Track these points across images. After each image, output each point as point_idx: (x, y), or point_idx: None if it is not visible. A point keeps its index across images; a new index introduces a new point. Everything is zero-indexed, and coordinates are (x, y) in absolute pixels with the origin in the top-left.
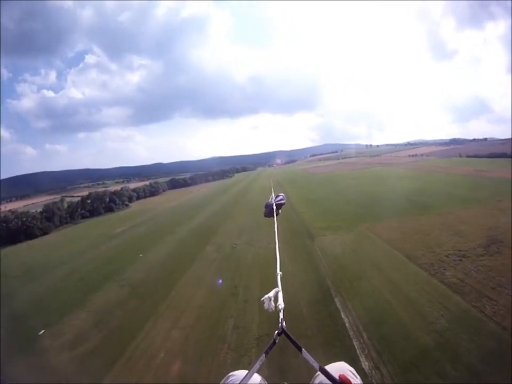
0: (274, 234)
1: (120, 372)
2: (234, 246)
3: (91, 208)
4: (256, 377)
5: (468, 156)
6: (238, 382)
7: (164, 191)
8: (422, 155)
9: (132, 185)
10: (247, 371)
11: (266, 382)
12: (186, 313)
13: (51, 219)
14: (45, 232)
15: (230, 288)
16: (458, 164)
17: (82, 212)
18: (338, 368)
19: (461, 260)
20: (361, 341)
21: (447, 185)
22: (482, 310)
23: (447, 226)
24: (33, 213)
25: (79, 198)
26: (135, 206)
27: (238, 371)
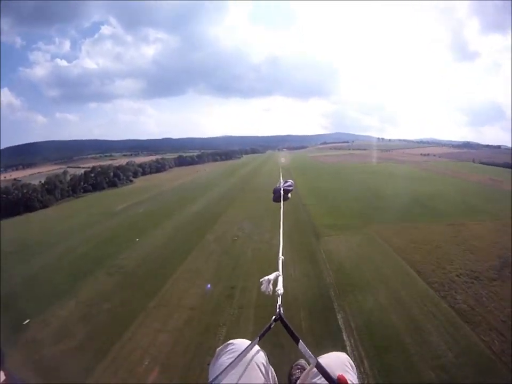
0: (280, 220)
1: (101, 375)
2: (235, 238)
3: (94, 182)
4: (256, 348)
5: (481, 162)
6: (237, 351)
7: (171, 167)
8: (434, 155)
9: (139, 159)
10: (247, 340)
11: (265, 355)
12: (176, 314)
13: (52, 192)
14: (45, 205)
15: (226, 289)
16: (471, 169)
17: (85, 185)
18: (336, 359)
19: (472, 283)
20: (361, 369)
21: (460, 192)
22: (491, 345)
23: (460, 240)
24: (34, 185)
25: (82, 171)
26: (139, 182)
27: (238, 339)
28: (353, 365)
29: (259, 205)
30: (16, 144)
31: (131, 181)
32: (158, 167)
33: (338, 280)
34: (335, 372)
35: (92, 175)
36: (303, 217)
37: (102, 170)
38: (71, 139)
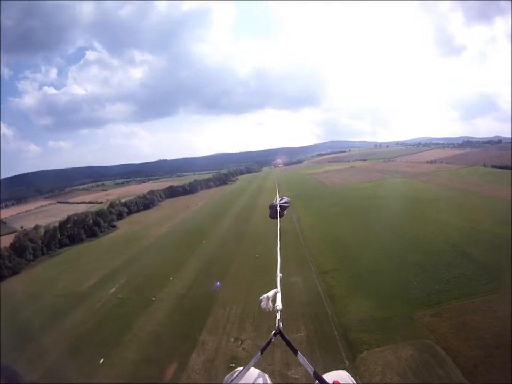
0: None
1: None
2: (232, 365)
3: (71, 233)
4: (254, 372)
5: (492, 166)
6: (243, 378)
7: (160, 201)
8: (441, 161)
9: (131, 188)
10: (252, 368)
11: (266, 376)
12: None
13: (22, 254)
14: (15, 272)
15: None
16: (488, 178)
17: (61, 238)
18: (338, 376)
19: None
20: None
21: (497, 222)
22: None
23: None
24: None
25: (57, 224)
26: (123, 226)
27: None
28: (354, 381)
29: (263, 274)
30: (11, 175)
31: (114, 226)
32: (146, 204)
33: None
34: None
35: (68, 225)
36: (325, 305)
37: (79, 219)
38: (65, 167)
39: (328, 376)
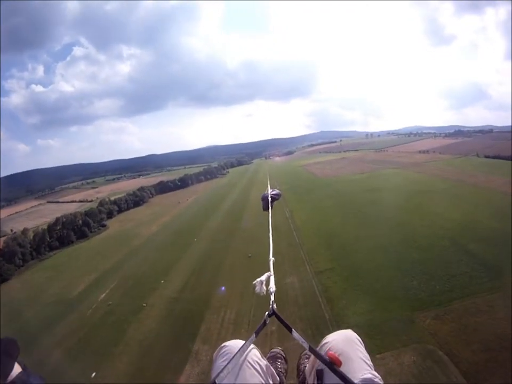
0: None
1: None
2: None
3: (61, 234)
4: (249, 346)
5: (486, 156)
6: (230, 353)
7: (151, 197)
8: (433, 151)
9: (121, 184)
10: (240, 340)
11: (255, 347)
12: None
13: (12, 260)
14: (5, 279)
15: None
16: (482, 168)
17: (51, 241)
18: (344, 336)
19: None
20: None
21: (495, 215)
22: None
23: None
24: None
25: (45, 227)
26: (113, 225)
27: (231, 341)
28: (361, 341)
29: (256, 274)
30: (2, 176)
31: (104, 225)
32: (136, 201)
33: None
34: (344, 349)
35: (57, 227)
36: (322, 308)
37: (68, 220)
38: (55, 165)
39: (333, 336)
